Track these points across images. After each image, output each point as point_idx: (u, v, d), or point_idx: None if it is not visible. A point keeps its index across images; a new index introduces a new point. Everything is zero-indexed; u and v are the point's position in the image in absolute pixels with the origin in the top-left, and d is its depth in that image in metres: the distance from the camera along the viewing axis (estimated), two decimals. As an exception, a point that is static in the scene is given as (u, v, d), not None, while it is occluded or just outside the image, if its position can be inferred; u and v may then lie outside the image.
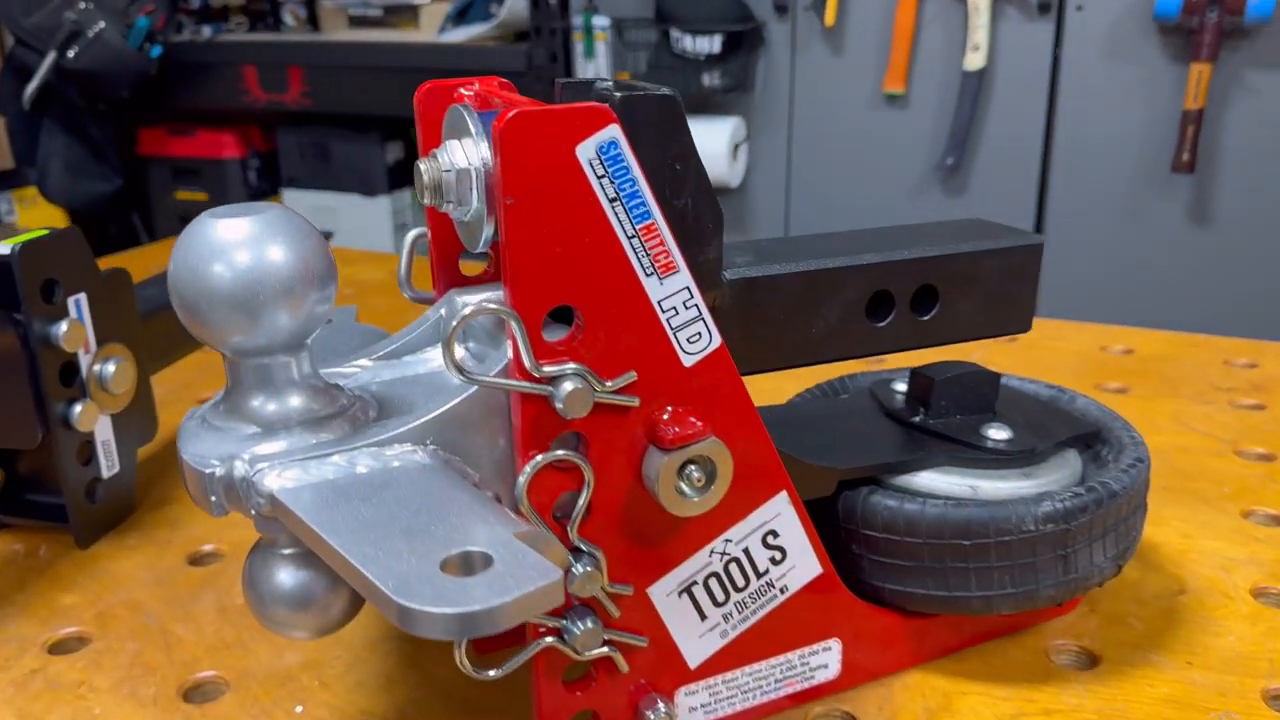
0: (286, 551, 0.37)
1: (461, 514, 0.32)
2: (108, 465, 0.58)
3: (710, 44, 1.83)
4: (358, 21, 2.36)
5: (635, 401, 0.36)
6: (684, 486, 0.37)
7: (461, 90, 0.41)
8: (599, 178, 0.34)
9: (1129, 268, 1.76)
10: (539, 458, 0.35)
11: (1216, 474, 0.64)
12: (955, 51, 1.76)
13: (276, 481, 0.33)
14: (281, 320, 0.34)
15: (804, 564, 0.42)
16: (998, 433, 0.47)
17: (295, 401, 0.36)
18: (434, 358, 0.42)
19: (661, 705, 0.40)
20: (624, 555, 0.38)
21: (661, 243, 0.35)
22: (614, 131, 0.33)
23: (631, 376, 0.36)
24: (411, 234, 0.43)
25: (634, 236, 0.35)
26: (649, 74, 1.90)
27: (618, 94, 0.36)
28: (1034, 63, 1.73)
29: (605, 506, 0.37)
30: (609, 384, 0.36)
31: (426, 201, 0.37)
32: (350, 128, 2.37)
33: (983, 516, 0.43)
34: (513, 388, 0.35)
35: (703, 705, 0.42)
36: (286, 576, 0.37)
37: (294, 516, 0.32)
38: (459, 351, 0.40)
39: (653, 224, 0.35)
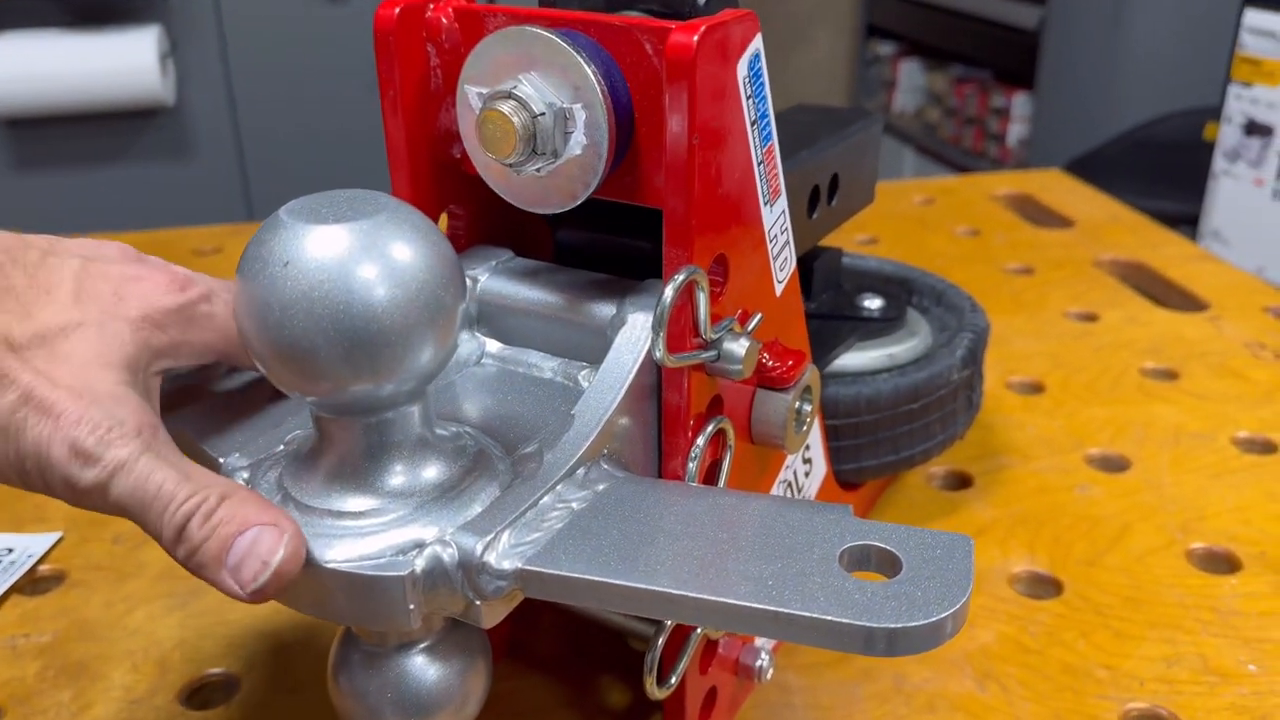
0: (425, 644, 0.28)
1: (743, 511, 0.27)
2: None
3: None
4: None
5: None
6: (798, 421, 0.35)
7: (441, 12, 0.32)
8: (747, 98, 0.29)
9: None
10: (710, 427, 0.31)
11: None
12: (391, -62, 1.70)
13: (508, 555, 0.25)
14: (424, 355, 0.26)
15: (819, 468, 0.42)
16: (871, 302, 0.50)
17: (432, 457, 0.28)
18: (495, 362, 0.34)
19: (763, 653, 0.38)
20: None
21: (776, 165, 0.32)
22: (759, 41, 0.29)
23: (759, 319, 0.33)
24: None
25: (761, 162, 0.31)
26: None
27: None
28: (468, -53, 1.73)
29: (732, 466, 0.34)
30: (749, 330, 0.32)
31: (510, 159, 0.29)
32: None
33: (924, 377, 0.46)
34: (703, 359, 0.30)
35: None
36: (432, 672, 0.29)
37: (570, 583, 0.25)
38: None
39: (773, 145, 0.31)
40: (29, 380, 0.27)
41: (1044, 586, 0.50)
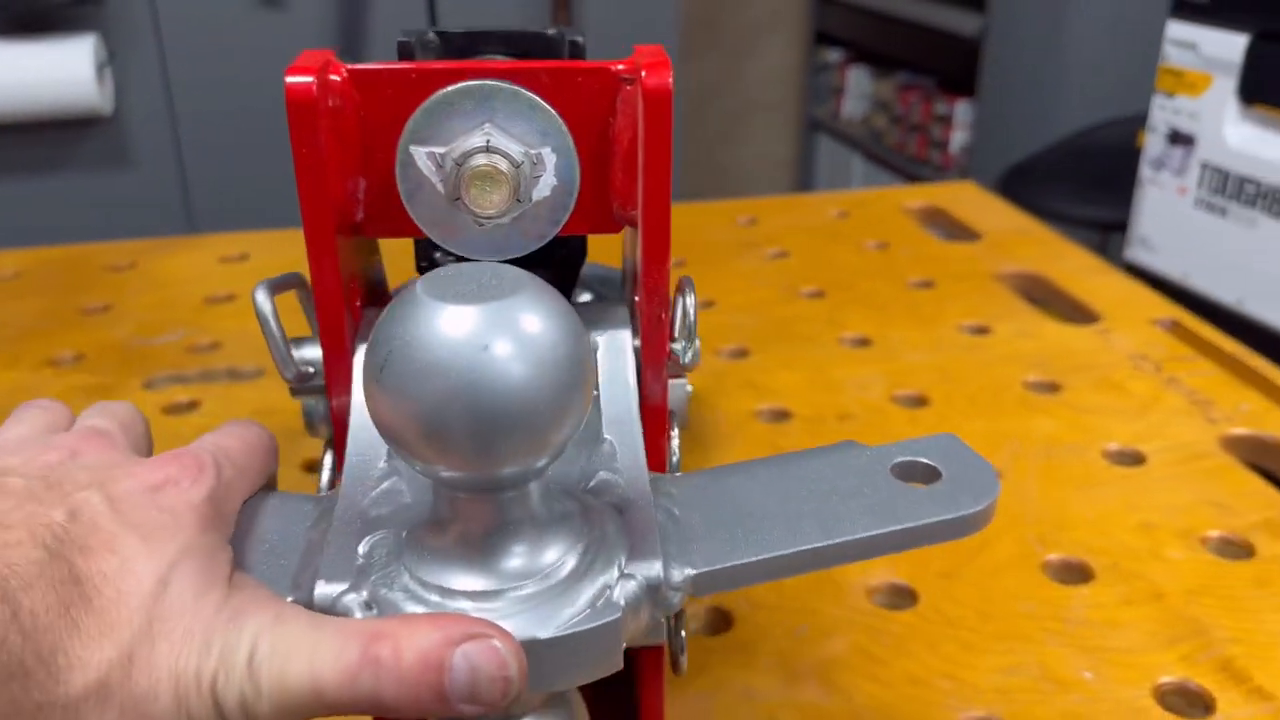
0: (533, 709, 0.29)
1: (789, 471, 0.33)
2: None
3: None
4: None
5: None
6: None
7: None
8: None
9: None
10: (674, 422, 0.37)
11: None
12: (329, -52, 1.70)
13: (673, 567, 0.29)
14: (572, 422, 0.27)
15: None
16: (585, 296, 0.50)
17: (560, 515, 0.30)
18: None
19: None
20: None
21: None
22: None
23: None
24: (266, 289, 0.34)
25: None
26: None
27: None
28: (409, -43, 1.73)
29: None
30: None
31: (493, 213, 0.31)
32: None
33: None
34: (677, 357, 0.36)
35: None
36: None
37: (738, 572, 0.29)
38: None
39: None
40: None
41: (901, 598, 0.51)
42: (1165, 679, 0.46)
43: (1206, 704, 0.45)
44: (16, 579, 0.26)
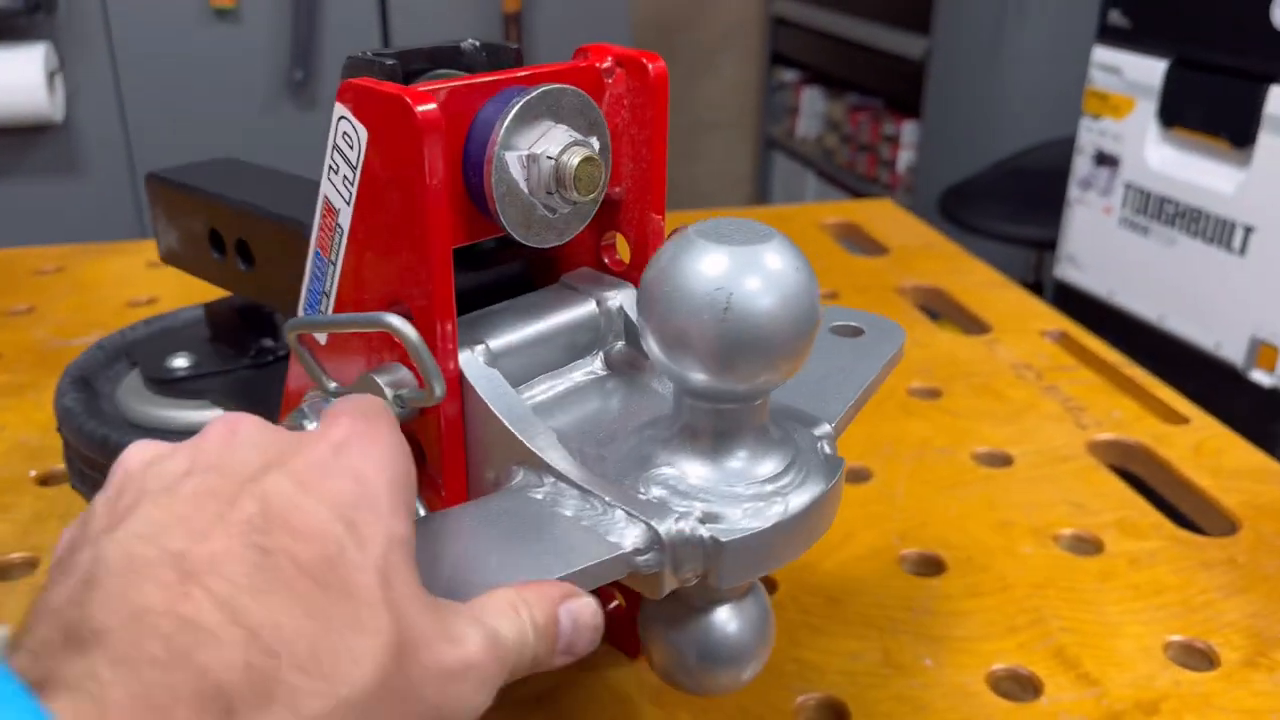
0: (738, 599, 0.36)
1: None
2: None
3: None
4: None
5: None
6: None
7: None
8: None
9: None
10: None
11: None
12: (281, -38, 1.72)
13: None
14: (806, 350, 0.33)
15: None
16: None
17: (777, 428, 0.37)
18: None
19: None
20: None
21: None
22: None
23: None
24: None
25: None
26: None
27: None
28: (360, -28, 1.76)
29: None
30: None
31: (594, 195, 0.37)
32: None
33: None
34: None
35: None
36: (760, 612, 0.37)
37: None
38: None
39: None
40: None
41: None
42: (999, 665, 0.49)
43: (1036, 688, 0.47)
44: (244, 593, 0.23)
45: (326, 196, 0.37)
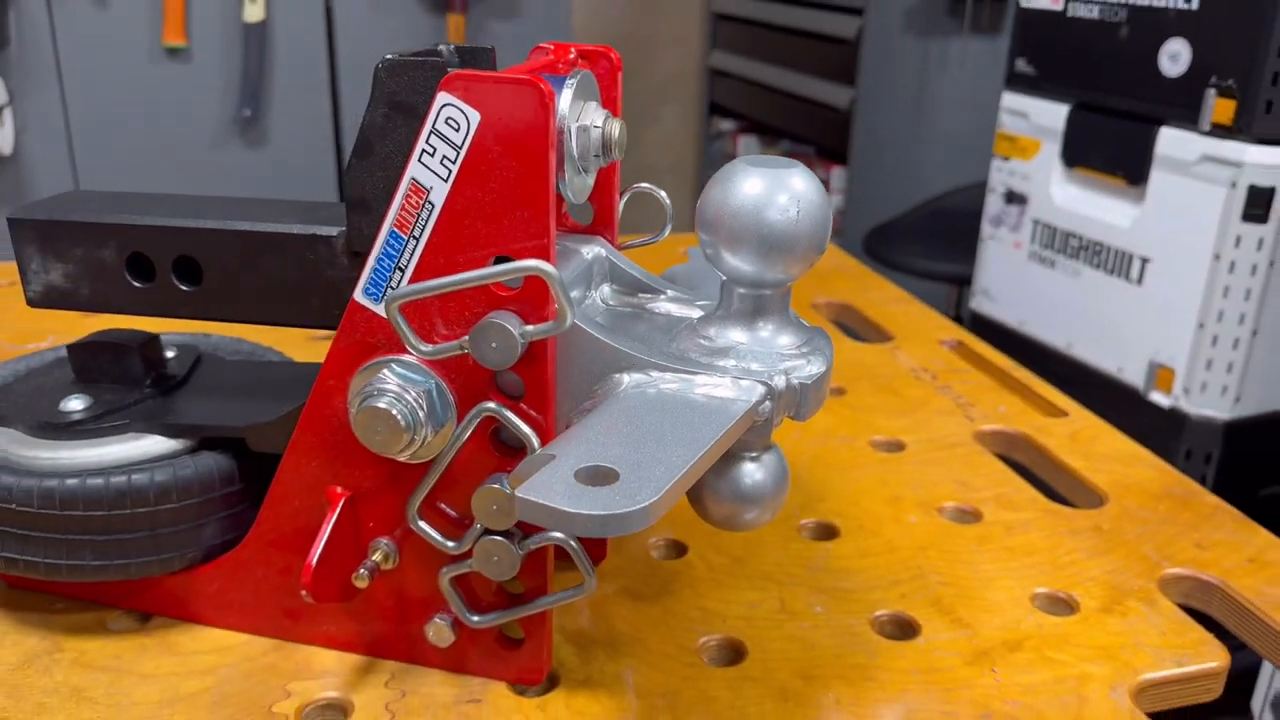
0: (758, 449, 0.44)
1: None
2: None
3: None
4: None
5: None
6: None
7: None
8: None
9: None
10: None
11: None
12: (233, 3, 1.78)
13: None
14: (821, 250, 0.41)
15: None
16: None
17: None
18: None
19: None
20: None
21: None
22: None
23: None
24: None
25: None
26: None
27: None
28: (309, 15, 1.82)
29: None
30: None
31: (616, 157, 0.46)
32: None
33: None
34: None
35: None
36: (777, 461, 0.44)
37: None
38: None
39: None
40: None
41: (674, 550, 0.59)
42: (882, 611, 0.54)
43: (915, 630, 0.53)
44: None
45: (415, 179, 0.41)
